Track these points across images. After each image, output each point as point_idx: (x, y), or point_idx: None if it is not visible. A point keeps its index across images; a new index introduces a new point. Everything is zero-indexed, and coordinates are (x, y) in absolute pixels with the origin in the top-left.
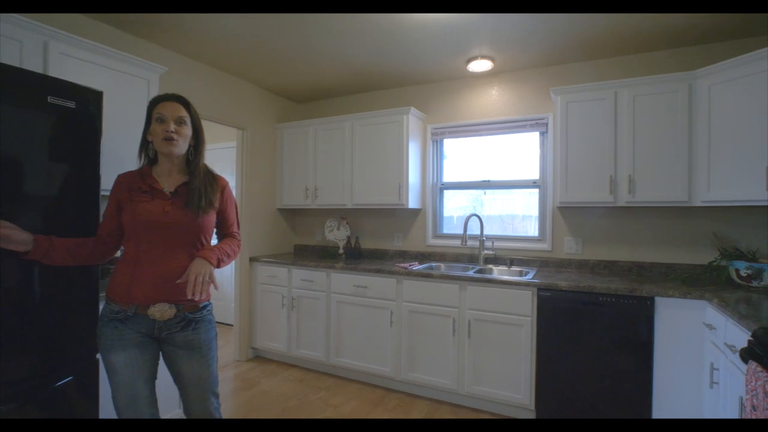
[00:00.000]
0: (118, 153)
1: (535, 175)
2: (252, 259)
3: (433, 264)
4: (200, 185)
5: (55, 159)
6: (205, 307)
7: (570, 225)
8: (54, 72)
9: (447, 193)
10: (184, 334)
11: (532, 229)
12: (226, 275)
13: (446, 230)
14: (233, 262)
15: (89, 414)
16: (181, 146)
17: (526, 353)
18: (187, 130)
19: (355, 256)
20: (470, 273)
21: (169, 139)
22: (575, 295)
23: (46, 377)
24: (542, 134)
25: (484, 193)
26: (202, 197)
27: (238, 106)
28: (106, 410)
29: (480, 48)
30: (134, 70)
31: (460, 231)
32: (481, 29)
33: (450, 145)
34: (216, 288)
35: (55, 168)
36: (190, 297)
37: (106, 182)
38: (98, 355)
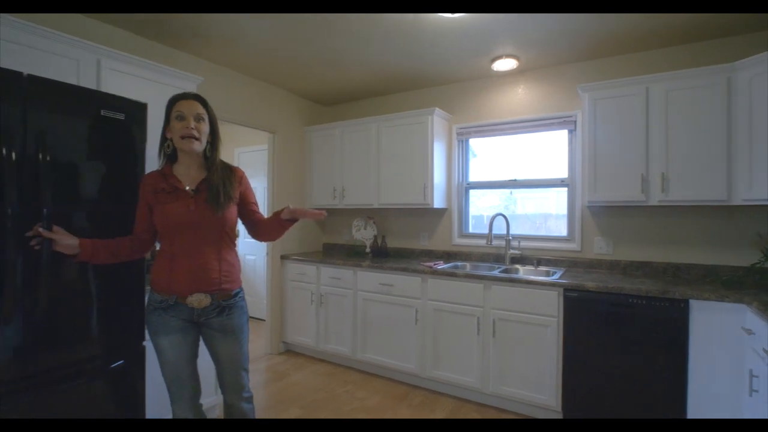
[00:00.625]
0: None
1: (563, 173)
2: (283, 257)
3: (459, 263)
4: (219, 181)
5: (105, 164)
6: (236, 294)
7: (600, 224)
8: (105, 85)
9: (477, 193)
10: (219, 319)
11: (561, 229)
12: (259, 272)
13: (475, 230)
14: (265, 260)
15: (139, 392)
16: (200, 143)
17: (552, 354)
18: (206, 127)
19: (381, 255)
20: (495, 272)
21: (189, 136)
22: (604, 296)
23: (103, 359)
24: (571, 132)
25: (511, 193)
26: (221, 193)
27: (269, 111)
28: (152, 388)
29: (504, 47)
30: (174, 81)
31: (487, 230)
32: (505, 28)
33: (476, 144)
34: (323, 216)
35: (105, 172)
36: (318, 218)
37: None
38: (145, 341)
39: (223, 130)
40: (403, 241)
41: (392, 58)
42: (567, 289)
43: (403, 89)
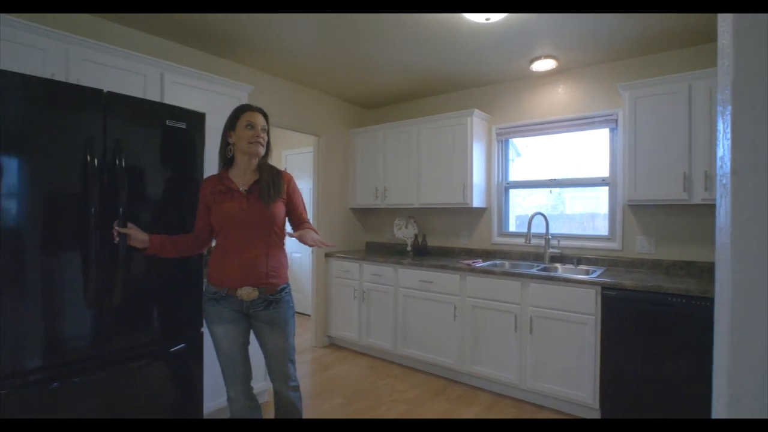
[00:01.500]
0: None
1: (604, 172)
2: (327, 255)
3: (498, 261)
4: (269, 179)
5: (169, 168)
6: (283, 289)
7: (641, 223)
8: (168, 96)
9: (523, 192)
10: (266, 312)
11: (602, 228)
12: (305, 270)
13: (520, 229)
14: (310, 258)
15: (196, 372)
16: (262, 149)
17: (590, 352)
18: (267, 137)
19: (422, 253)
20: (533, 270)
21: (256, 143)
22: (642, 295)
23: (165, 343)
24: (612, 130)
25: (550, 192)
26: (271, 188)
27: (314, 115)
28: (209, 370)
29: (543, 48)
30: (228, 90)
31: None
32: (543, 30)
33: (517, 144)
34: (330, 245)
35: (169, 175)
36: (318, 246)
37: None
38: (203, 328)
39: (272, 133)
40: (444, 239)
41: (431, 62)
42: (605, 288)
43: (442, 91)
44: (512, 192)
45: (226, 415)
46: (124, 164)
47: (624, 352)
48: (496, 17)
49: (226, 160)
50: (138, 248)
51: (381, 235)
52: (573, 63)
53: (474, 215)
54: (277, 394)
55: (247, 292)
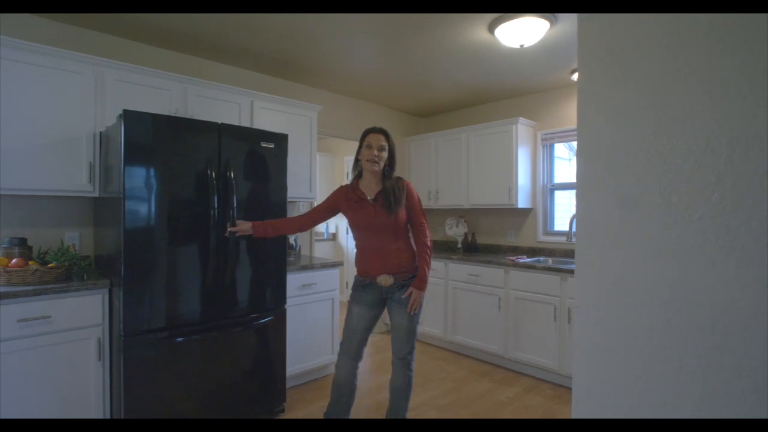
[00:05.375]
0: (295, 171)
1: None
2: None
3: (541, 258)
4: (390, 191)
5: (263, 177)
6: (413, 277)
7: None
8: (257, 118)
9: (566, 193)
10: (399, 294)
11: None
12: None
13: (559, 227)
14: None
15: (281, 341)
16: (379, 165)
17: None
18: (385, 154)
19: (471, 250)
20: (571, 266)
21: (372, 161)
22: None
23: (255, 316)
24: None
25: None
26: (392, 200)
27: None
28: (292, 340)
29: None
30: (302, 111)
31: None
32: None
33: (561, 148)
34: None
35: (262, 185)
36: (411, 313)
37: (291, 192)
38: (285, 305)
39: (335, 143)
40: (491, 237)
41: (477, 77)
42: None
43: (489, 100)
44: (557, 193)
45: (307, 378)
46: (233, 176)
47: None
48: (530, 42)
49: (357, 173)
50: (247, 234)
51: (434, 234)
52: None
53: (520, 215)
54: (394, 369)
55: (385, 279)
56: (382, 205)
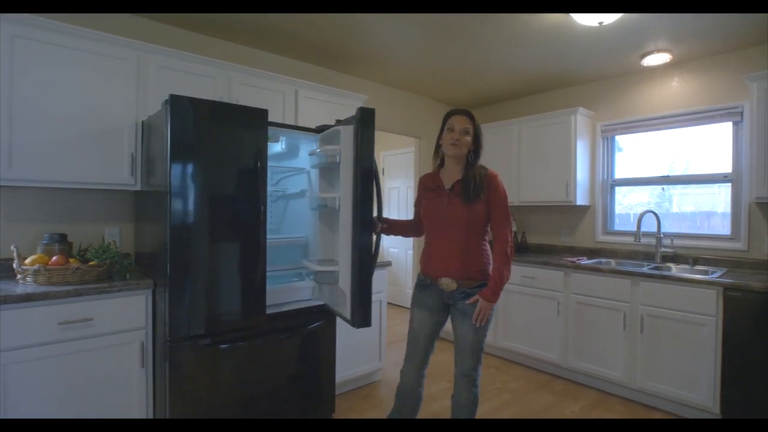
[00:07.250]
0: None
1: (726, 168)
2: None
3: (603, 260)
4: (470, 181)
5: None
6: (480, 285)
7: None
8: (301, 107)
9: (622, 190)
10: (462, 303)
11: (720, 227)
12: (401, 264)
13: (619, 227)
14: (409, 254)
15: (331, 346)
16: (461, 150)
17: (709, 354)
18: (468, 138)
19: (521, 250)
20: (644, 269)
21: (453, 145)
22: None
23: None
24: (736, 124)
25: (663, 190)
26: (470, 190)
27: (414, 119)
28: (341, 346)
29: (656, 42)
30: (347, 101)
31: (634, 228)
32: (658, 25)
33: (622, 140)
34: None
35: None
36: (477, 325)
37: None
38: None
39: (376, 136)
40: (543, 237)
41: (537, 61)
42: (728, 288)
43: (544, 90)
44: (617, 189)
45: (352, 386)
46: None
47: (749, 356)
48: (610, 19)
49: (440, 161)
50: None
51: None
52: (690, 55)
53: (575, 213)
54: (456, 385)
55: (447, 283)
56: (457, 195)
